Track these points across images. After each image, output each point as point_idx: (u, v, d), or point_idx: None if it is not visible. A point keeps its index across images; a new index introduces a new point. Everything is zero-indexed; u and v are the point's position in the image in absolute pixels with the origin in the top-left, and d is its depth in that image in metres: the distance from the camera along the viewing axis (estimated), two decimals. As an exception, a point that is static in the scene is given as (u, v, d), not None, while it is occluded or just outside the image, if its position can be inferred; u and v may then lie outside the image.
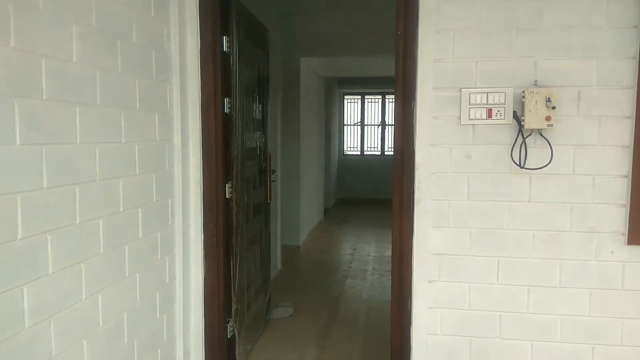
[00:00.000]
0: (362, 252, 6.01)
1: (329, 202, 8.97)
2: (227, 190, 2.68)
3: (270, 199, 3.63)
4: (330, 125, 9.06)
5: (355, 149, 10.68)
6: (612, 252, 2.26)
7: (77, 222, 1.69)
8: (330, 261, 5.74)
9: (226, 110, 2.61)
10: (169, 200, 2.38)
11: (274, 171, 3.64)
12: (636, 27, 2.16)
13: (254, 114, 3.17)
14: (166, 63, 2.32)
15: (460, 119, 2.31)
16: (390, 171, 2.50)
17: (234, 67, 2.70)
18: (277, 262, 4.97)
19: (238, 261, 2.83)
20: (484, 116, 2.30)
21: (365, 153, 10.59)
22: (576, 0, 2.19)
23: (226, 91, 2.62)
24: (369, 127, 10.59)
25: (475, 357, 2.38)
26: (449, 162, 2.35)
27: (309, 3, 5.26)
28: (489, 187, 2.32)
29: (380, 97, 10.35)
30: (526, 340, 2.35)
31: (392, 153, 2.50)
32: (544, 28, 2.22)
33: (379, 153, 10.49)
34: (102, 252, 1.84)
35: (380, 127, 10.49)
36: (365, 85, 9.65)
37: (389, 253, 2.94)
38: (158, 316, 2.30)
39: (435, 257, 2.38)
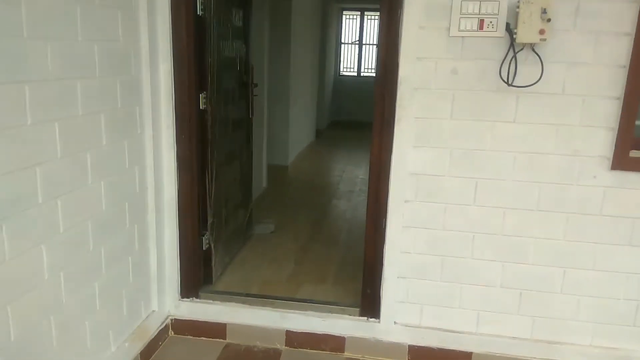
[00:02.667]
0: (351, 174, 5.98)
1: (322, 123, 8.82)
2: (201, 100, 2.55)
3: (252, 114, 3.50)
4: (326, 43, 8.68)
5: (352, 70, 10.35)
6: (595, 176, 2.19)
7: (29, 123, 1.59)
8: (317, 182, 5.72)
9: (199, 12, 2.42)
10: (137, 108, 2.26)
11: (256, 85, 3.48)
12: None
13: (233, 20, 2.96)
14: (130, -46, 2.10)
15: (449, 30, 2.15)
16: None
17: (208, -37, 2.47)
18: (262, 180, 4.93)
19: (214, 175, 2.76)
20: (475, 27, 2.13)
21: (362, 74, 10.27)
22: None
23: (199, -10, 2.41)
24: (368, 46, 10.18)
25: (446, 275, 2.39)
26: (434, 78, 2.22)
27: None
28: (473, 105, 2.21)
29: (380, 14, 9.83)
30: (498, 261, 2.35)
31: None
32: None
33: (376, 75, 10.15)
34: (59, 156, 1.75)
35: (379, 47, 10.07)
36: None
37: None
38: (128, 226, 2.27)
39: (412, 177, 2.32)
